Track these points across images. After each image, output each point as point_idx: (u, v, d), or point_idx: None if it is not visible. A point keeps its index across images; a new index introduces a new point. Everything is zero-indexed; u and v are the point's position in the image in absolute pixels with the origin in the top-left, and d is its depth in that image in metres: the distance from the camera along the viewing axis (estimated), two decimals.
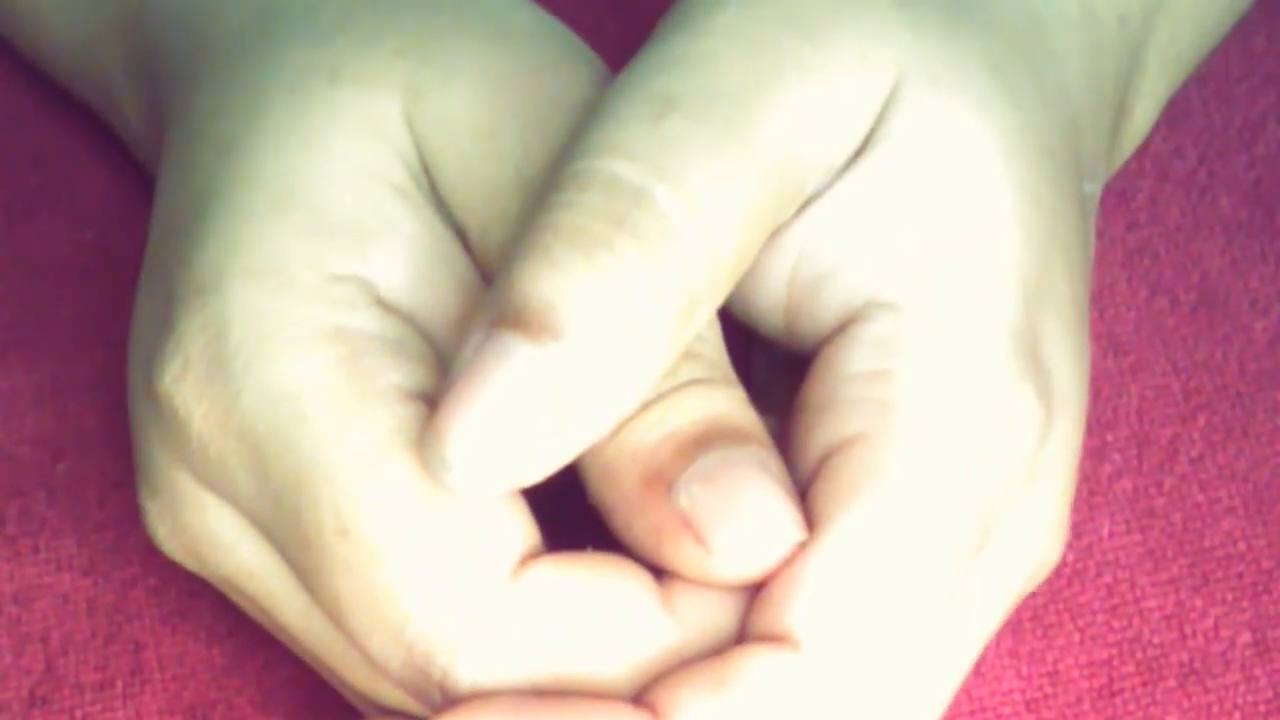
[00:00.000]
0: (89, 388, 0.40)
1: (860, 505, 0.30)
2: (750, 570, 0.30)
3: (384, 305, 0.32)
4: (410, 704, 0.32)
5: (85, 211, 0.43)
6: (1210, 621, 0.38)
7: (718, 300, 0.31)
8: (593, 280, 0.29)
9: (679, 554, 0.30)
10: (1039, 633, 0.38)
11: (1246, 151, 0.44)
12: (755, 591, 0.31)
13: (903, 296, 0.31)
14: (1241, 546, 0.39)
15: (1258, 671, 0.38)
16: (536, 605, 0.30)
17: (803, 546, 0.30)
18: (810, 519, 0.31)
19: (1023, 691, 0.38)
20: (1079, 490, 0.40)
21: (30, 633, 0.38)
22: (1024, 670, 0.38)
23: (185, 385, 0.31)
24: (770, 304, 0.33)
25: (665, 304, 0.29)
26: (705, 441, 0.30)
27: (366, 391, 0.31)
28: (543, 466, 0.29)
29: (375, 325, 0.31)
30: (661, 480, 0.30)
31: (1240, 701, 0.38)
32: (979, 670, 0.38)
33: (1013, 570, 0.32)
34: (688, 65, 0.31)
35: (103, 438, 0.40)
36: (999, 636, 0.38)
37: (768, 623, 0.30)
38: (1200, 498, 0.40)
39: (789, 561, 0.30)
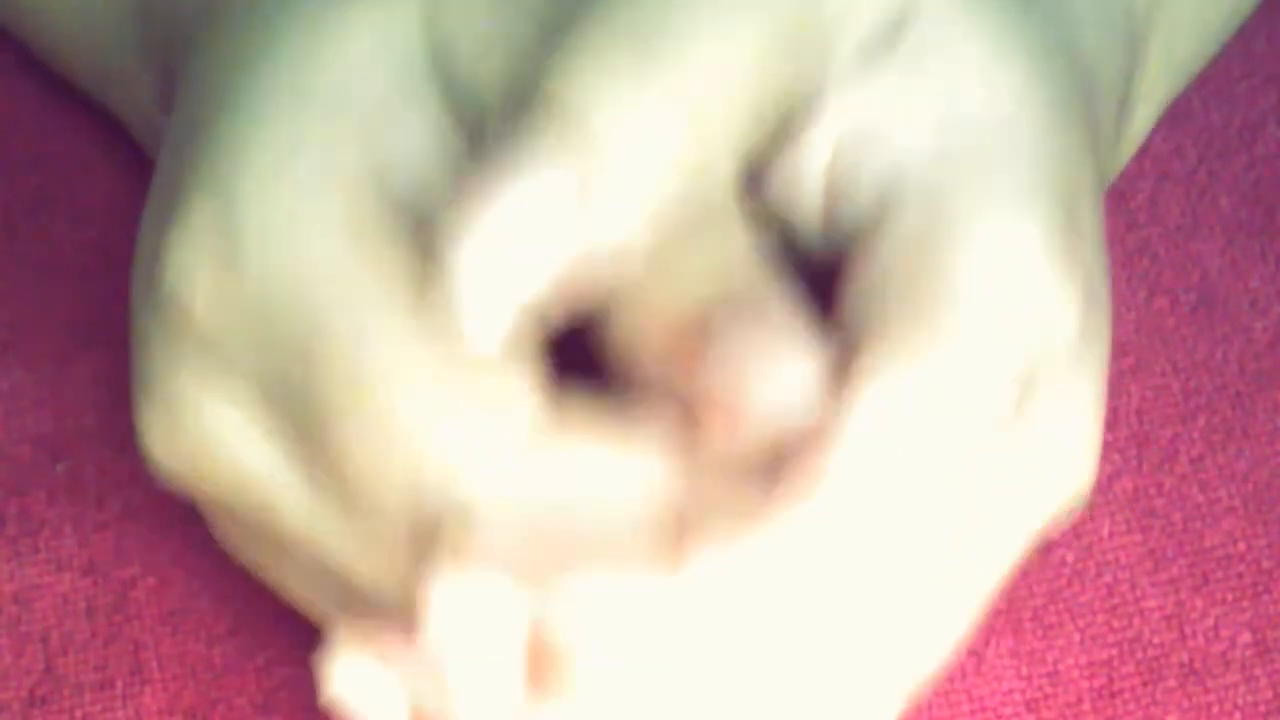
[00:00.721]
0: (89, 388, 0.40)
1: (899, 365, 0.30)
2: (777, 436, 0.30)
3: (394, 196, 0.32)
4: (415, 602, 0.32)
5: (86, 211, 0.43)
6: (1210, 622, 0.38)
7: (733, 123, 0.31)
8: (613, 85, 0.30)
9: (707, 421, 0.30)
10: (1039, 633, 0.38)
11: (1246, 151, 0.44)
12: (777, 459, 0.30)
13: (948, 180, 0.31)
14: (1241, 546, 0.39)
15: (1258, 672, 0.38)
16: (552, 466, 0.30)
17: (830, 408, 0.30)
18: (846, 376, 0.30)
19: (1023, 691, 0.38)
20: None
21: (30, 633, 0.38)
22: (1024, 670, 0.38)
23: (191, 271, 0.31)
24: (810, 202, 0.33)
25: (681, 108, 0.30)
26: (727, 308, 0.30)
27: (377, 259, 0.31)
28: (546, 276, 0.29)
29: (386, 213, 0.32)
30: (685, 348, 0.30)
31: (1240, 702, 0.38)
32: (979, 669, 0.38)
33: (1047, 479, 0.32)
34: None
35: (103, 438, 0.40)
36: (999, 636, 0.38)
37: (793, 474, 0.30)
38: (1200, 498, 0.40)
39: (818, 422, 0.30)
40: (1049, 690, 0.38)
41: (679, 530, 0.30)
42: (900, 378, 0.30)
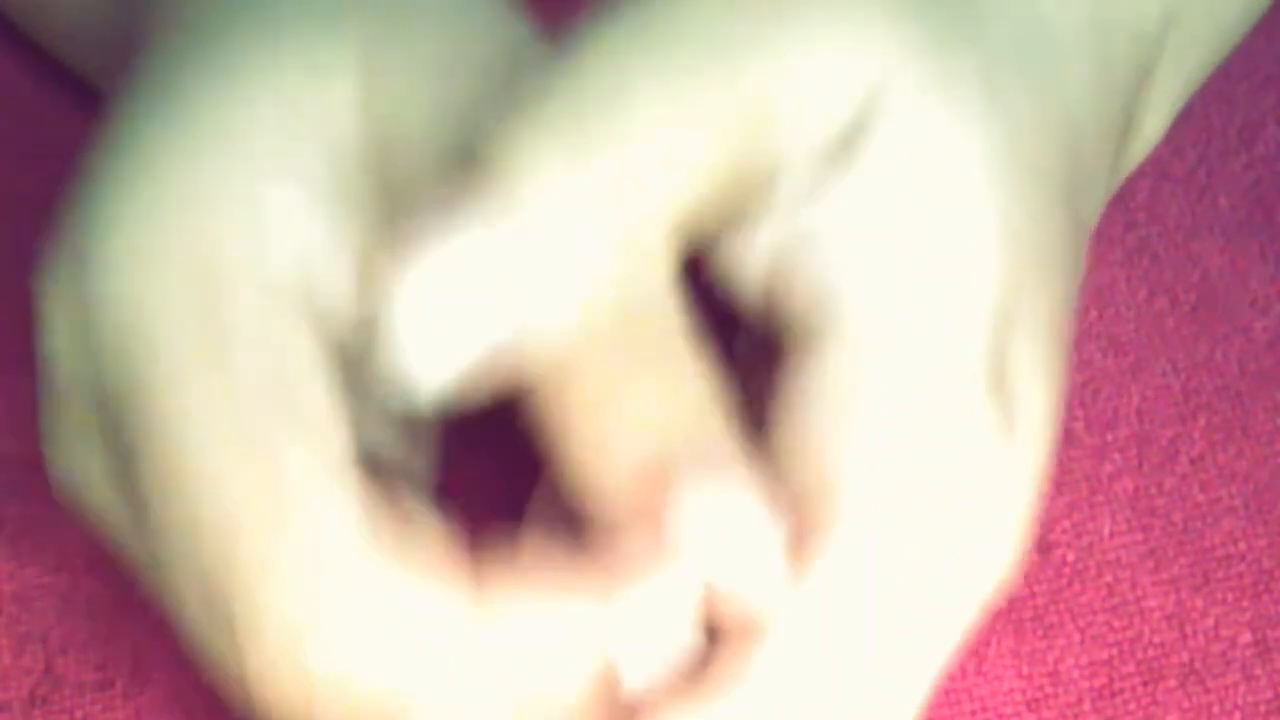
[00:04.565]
0: None
1: (827, 567, 0.31)
2: (738, 605, 0.31)
3: (273, 288, 0.32)
4: None
5: None
6: (1211, 621, 0.38)
7: (676, 226, 0.31)
8: (556, 159, 0.29)
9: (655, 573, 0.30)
10: (1039, 633, 0.38)
11: (1246, 152, 0.44)
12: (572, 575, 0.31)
13: (868, 324, 0.32)
14: (1242, 546, 0.39)
15: (1258, 671, 0.38)
16: (328, 553, 0.30)
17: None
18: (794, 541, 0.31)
19: (1023, 691, 0.38)
20: (1079, 490, 0.40)
21: (30, 632, 0.38)
22: (1024, 670, 0.38)
23: (51, 286, 0.33)
24: (751, 290, 0.33)
25: (627, 199, 0.30)
26: (689, 460, 0.30)
27: (218, 333, 0.31)
28: (487, 341, 0.29)
29: (254, 309, 0.31)
30: (646, 502, 0.30)
31: (1240, 702, 0.38)
32: (980, 669, 0.38)
33: (969, 590, 0.32)
34: (674, 11, 0.31)
35: None
36: (1000, 636, 0.38)
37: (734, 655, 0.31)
38: (1200, 498, 0.40)
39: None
40: (1049, 690, 0.38)
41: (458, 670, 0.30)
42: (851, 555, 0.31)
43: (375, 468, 0.35)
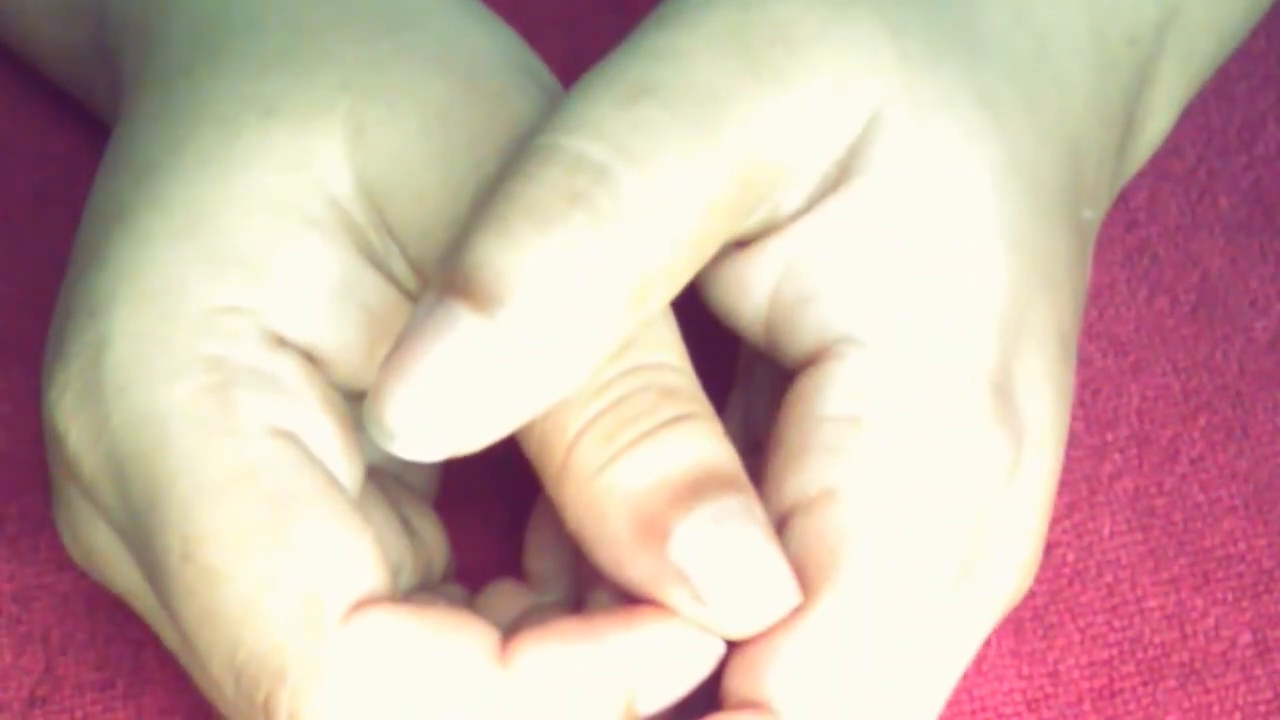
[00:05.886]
0: None
1: (834, 583, 0.31)
2: (748, 629, 0.31)
3: (274, 339, 0.32)
4: None
5: None
6: (1211, 621, 0.38)
7: (672, 289, 0.31)
8: (543, 252, 0.29)
9: (674, 602, 0.30)
10: (1040, 633, 0.38)
11: (1246, 151, 0.44)
12: (596, 642, 0.31)
13: (877, 337, 0.32)
14: (1242, 546, 0.39)
15: (1258, 671, 0.38)
16: (363, 648, 0.30)
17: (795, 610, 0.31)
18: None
19: (1023, 691, 0.38)
20: (1079, 490, 0.40)
21: (30, 632, 0.38)
22: (1025, 670, 0.38)
23: (65, 403, 0.32)
24: (753, 316, 0.33)
25: (616, 283, 0.29)
26: (698, 489, 0.30)
27: (229, 424, 0.31)
28: (483, 435, 0.29)
29: (256, 359, 0.31)
30: (655, 529, 0.30)
31: (1240, 702, 0.38)
32: (980, 669, 0.38)
33: (981, 611, 0.32)
34: (666, 58, 0.31)
35: None
36: (1000, 636, 0.38)
37: (747, 688, 0.31)
38: (1200, 498, 0.40)
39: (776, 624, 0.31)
40: (1049, 690, 0.38)
41: None
42: (835, 603, 0.31)
43: (379, 478, 0.35)
